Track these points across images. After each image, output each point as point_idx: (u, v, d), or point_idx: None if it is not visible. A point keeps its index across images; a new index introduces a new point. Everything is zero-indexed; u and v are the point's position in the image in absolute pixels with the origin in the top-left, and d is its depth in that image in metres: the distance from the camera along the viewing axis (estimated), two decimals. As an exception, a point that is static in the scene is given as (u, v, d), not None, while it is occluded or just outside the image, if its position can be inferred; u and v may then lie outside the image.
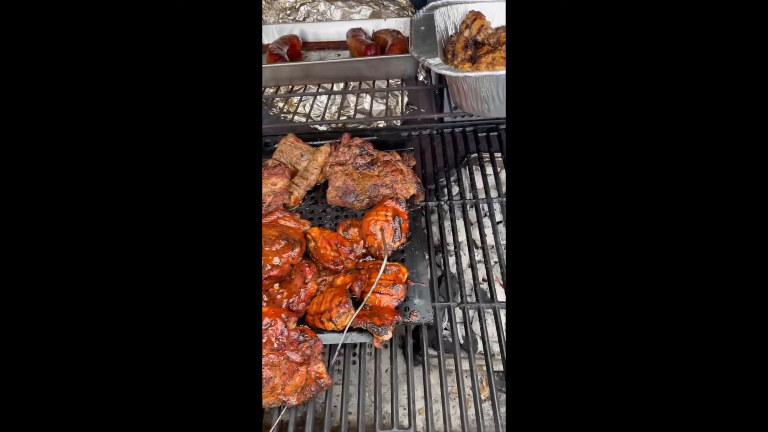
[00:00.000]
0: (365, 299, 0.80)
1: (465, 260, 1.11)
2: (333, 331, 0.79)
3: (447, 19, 0.99)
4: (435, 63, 0.79)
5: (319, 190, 1.10)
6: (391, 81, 1.15)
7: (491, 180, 1.10)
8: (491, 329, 0.87)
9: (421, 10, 0.96)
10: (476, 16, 0.96)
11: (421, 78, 1.18)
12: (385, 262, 0.83)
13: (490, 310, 0.87)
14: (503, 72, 0.77)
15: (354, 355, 0.86)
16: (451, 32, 1.00)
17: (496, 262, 0.95)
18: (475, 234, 1.03)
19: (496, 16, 1.01)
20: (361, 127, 1.25)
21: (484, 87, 0.80)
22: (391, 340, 0.81)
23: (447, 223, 1.08)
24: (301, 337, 0.75)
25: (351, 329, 0.78)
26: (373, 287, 0.80)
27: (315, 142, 1.15)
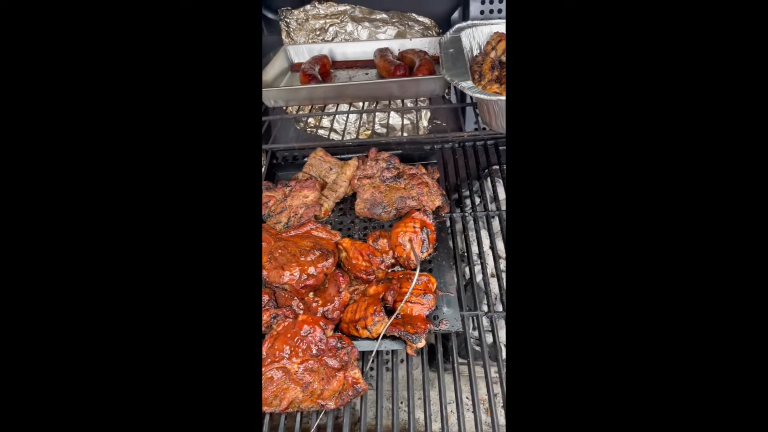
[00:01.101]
0: (399, 308, 0.84)
1: (490, 270, 1.14)
2: (367, 338, 0.83)
3: (472, 40, 1.04)
4: (468, 86, 0.83)
5: (347, 201, 1.14)
6: (415, 98, 1.20)
7: (514, 192, 1.14)
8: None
9: (448, 33, 1.01)
10: (501, 37, 1.00)
11: (453, 99, 1.22)
12: (417, 272, 0.87)
13: (517, 319, 0.90)
14: None
15: (386, 362, 0.90)
16: (475, 52, 1.04)
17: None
18: (499, 244, 1.06)
19: (518, 35, 1.05)
20: (384, 141, 1.29)
21: None
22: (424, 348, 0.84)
23: (471, 234, 1.11)
24: (339, 344, 0.79)
25: (384, 337, 0.82)
26: (407, 296, 0.84)
27: (343, 156, 1.20)
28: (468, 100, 1.19)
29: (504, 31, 1.02)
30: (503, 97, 0.80)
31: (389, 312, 0.85)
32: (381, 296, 0.87)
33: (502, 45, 0.98)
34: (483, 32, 1.04)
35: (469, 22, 1.02)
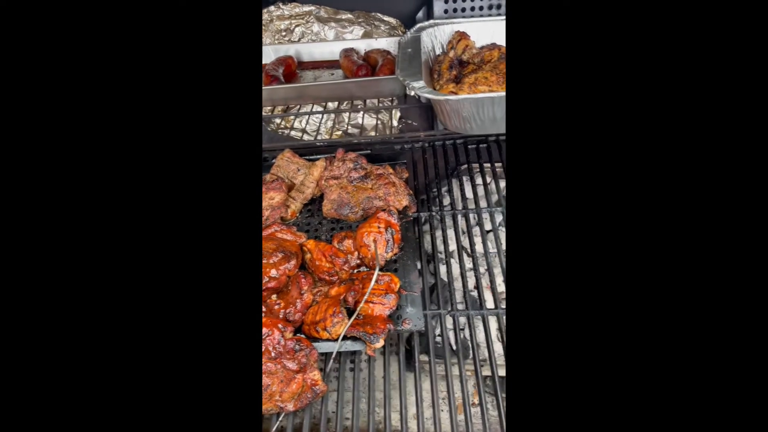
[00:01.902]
0: (358, 309, 0.84)
1: (456, 269, 1.14)
2: (328, 339, 0.83)
3: (434, 40, 1.04)
4: (419, 86, 0.83)
5: (315, 203, 1.14)
6: (382, 98, 1.20)
7: (480, 190, 1.14)
8: (480, 335, 0.90)
9: (409, 32, 1.01)
10: (461, 36, 1.01)
11: (412, 94, 1.23)
12: (376, 272, 0.87)
13: (480, 317, 0.91)
14: (482, 95, 0.81)
15: (351, 362, 0.90)
16: (438, 52, 1.05)
17: (485, 270, 0.99)
18: (466, 243, 1.07)
19: (481, 34, 1.06)
20: (355, 141, 1.30)
21: (465, 108, 0.84)
22: (385, 347, 0.85)
23: (439, 233, 1.11)
24: (297, 346, 0.78)
25: (345, 338, 0.82)
26: (366, 297, 0.84)
27: (311, 157, 1.19)
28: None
29: (465, 30, 1.03)
30: (452, 97, 0.81)
31: (351, 313, 0.85)
32: (342, 297, 0.87)
33: (462, 44, 0.98)
34: (445, 31, 1.05)
35: (431, 21, 1.03)
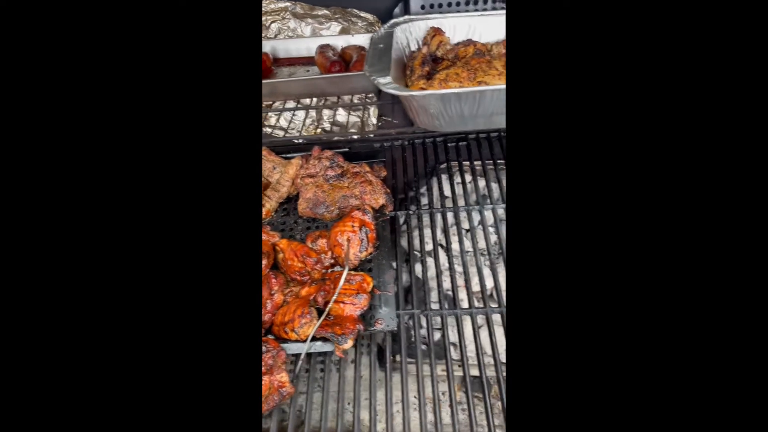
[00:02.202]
0: (327, 309, 0.82)
1: (433, 268, 1.13)
2: (297, 340, 0.81)
3: (409, 36, 1.03)
4: (384, 82, 0.82)
5: (291, 201, 1.12)
6: (363, 95, 1.19)
7: (459, 189, 1.13)
8: (453, 336, 0.89)
9: (382, 28, 1.00)
10: (435, 32, 0.99)
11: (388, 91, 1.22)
12: (345, 271, 0.86)
13: (453, 317, 0.89)
14: (448, 90, 0.79)
15: (321, 363, 0.88)
16: (413, 48, 1.03)
17: (460, 271, 0.98)
18: (444, 242, 1.05)
19: (458, 30, 1.05)
20: (336, 138, 1.28)
21: (432, 104, 0.83)
22: (356, 347, 0.83)
23: (416, 232, 1.10)
24: (264, 348, 0.77)
25: (315, 338, 0.80)
26: (334, 297, 0.82)
27: (288, 155, 1.17)
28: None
29: (440, 26, 1.01)
30: (416, 93, 0.79)
31: (322, 313, 0.83)
32: (312, 297, 0.85)
33: (436, 40, 0.97)
34: (421, 27, 1.03)
35: (406, 17, 1.01)
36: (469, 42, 0.99)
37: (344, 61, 1.13)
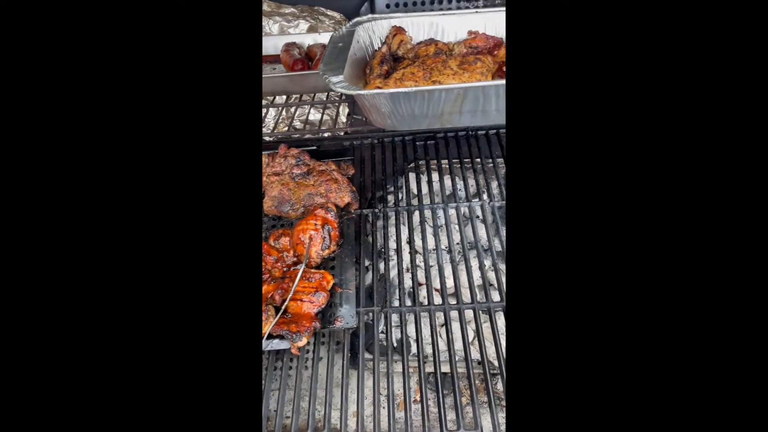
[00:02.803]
0: (283, 307, 0.82)
1: (394, 266, 1.14)
2: (253, 339, 0.81)
3: (372, 34, 1.03)
4: (336, 81, 0.82)
5: (257, 200, 1.12)
6: (328, 93, 1.18)
7: (425, 187, 1.14)
8: (419, 332, 0.90)
9: (344, 27, 1.00)
10: (397, 31, 1.00)
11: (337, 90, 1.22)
12: (301, 269, 0.86)
13: (412, 315, 0.90)
14: (397, 89, 0.80)
15: (291, 361, 0.88)
16: (377, 47, 1.04)
17: (420, 267, 0.99)
18: (408, 239, 1.06)
19: (421, 29, 1.05)
20: (306, 136, 1.28)
21: (383, 103, 0.83)
22: (316, 345, 0.83)
23: (382, 231, 1.10)
24: (217, 346, 0.77)
25: (271, 336, 0.81)
26: (290, 295, 0.82)
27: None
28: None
29: (402, 25, 1.02)
30: (364, 92, 0.80)
31: (280, 311, 0.84)
32: (270, 295, 0.85)
33: (397, 39, 0.97)
34: (384, 26, 1.04)
35: (369, 16, 1.01)
36: (431, 41, 1.00)
37: (309, 59, 1.13)
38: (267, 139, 1.31)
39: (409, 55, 0.97)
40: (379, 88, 0.83)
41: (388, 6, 1.15)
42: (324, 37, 1.19)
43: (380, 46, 1.02)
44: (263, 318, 0.80)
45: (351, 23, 1.00)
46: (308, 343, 0.82)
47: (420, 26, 1.04)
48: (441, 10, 1.12)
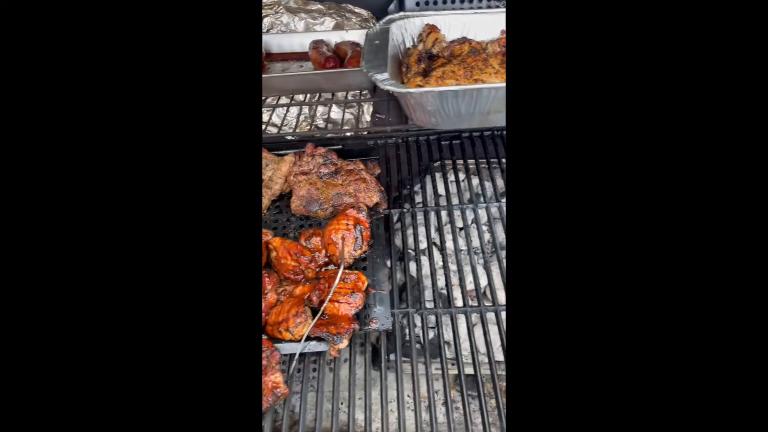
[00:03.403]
0: (322, 308, 0.81)
1: (427, 266, 1.13)
2: (291, 340, 0.80)
3: (404, 32, 1.02)
4: (382, 78, 0.81)
5: (283, 199, 1.11)
6: (357, 91, 1.17)
7: (453, 187, 1.13)
8: (448, 334, 0.89)
9: (377, 24, 0.99)
10: (431, 29, 0.99)
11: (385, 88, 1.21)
12: (341, 270, 0.85)
13: (448, 316, 0.89)
14: (445, 88, 0.79)
15: (314, 362, 0.87)
16: (408, 45, 1.03)
17: (455, 270, 0.98)
18: (438, 240, 1.05)
19: (453, 28, 1.04)
20: (329, 135, 1.27)
21: (429, 102, 0.82)
22: (351, 347, 0.82)
23: (410, 231, 1.10)
24: (257, 348, 0.76)
25: (309, 338, 0.80)
26: (329, 296, 0.81)
27: (281, 152, 1.16)
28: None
29: (435, 23, 1.01)
30: (414, 90, 0.79)
31: (316, 313, 0.83)
32: (306, 296, 0.84)
33: (432, 37, 0.96)
34: (416, 24, 1.03)
35: (402, 13, 1.00)
36: (464, 40, 0.99)
37: (338, 57, 1.12)
38: (289, 138, 1.30)
39: (444, 54, 0.96)
40: (420, 86, 0.82)
41: (417, 4, 1.14)
42: (351, 35, 1.18)
43: (413, 43, 1.01)
44: (301, 320, 0.79)
45: (384, 21, 0.99)
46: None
47: (451, 25, 1.03)
48: (471, 8, 1.11)
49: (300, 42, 1.22)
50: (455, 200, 1.11)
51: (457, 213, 1.10)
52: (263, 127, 1.30)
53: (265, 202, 1.09)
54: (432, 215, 1.07)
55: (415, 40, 1.04)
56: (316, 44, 1.15)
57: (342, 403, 1.04)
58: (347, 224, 0.95)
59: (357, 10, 1.28)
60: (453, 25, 1.04)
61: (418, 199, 1.24)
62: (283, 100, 1.21)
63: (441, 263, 1.17)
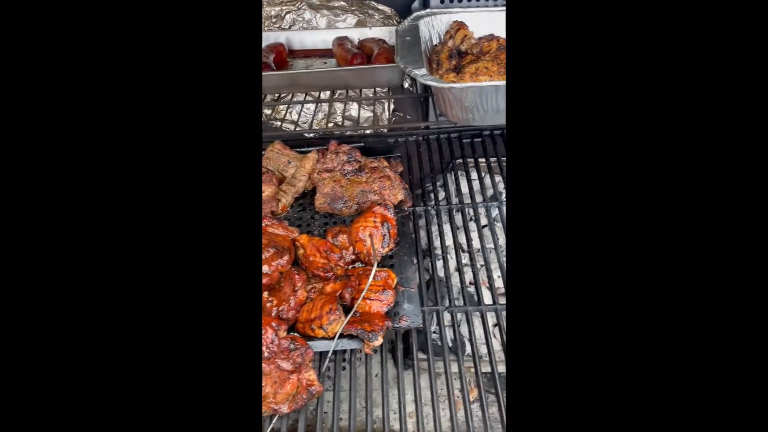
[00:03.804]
0: (356, 306, 0.81)
1: (452, 264, 1.13)
2: (323, 338, 0.80)
3: (431, 29, 1.01)
4: (421, 74, 0.81)
5: (307, 196, 1.10)
6: (375, 89, 1.17)
7: (476, 185, 1.13)
8: (479, 332, 0.89)
9: (406, 21, 0.98)
10: (459, 26, 0.98)
11: (406, 86, 1.20)
12: (374, 268, 0.85)
13: (477, 313, 0.89)
14: (486, 83, 0.79)
15: (344, 360, 0.87)
16: (435, 41, 1.02)
17: (482, 266, 0.98)
18: (462, 238, 1.05)
19: (478, 26, 1.04)
20: (348, 133, 1.26)
21: (468, 97, 0.82)
22: (381, 345, 0.82)
23: (434, 228, 1.09)
24: (291, 345, 0.75)
25: (341, 336, 0.79)
26: (363, 294, 0.81)
27: (302, 149, 1.15)
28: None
29: (463, 20, 1.00)
30: (457, 85, 0.78)
31: (346, 310, 0.82)
32: (338, 294, 0.83)
33: (461, 34, 0.96)
34: (442, 21, 1.02)
35: (428, 10, 1.00)
36: (492, 37, 0.98)
37: (363, 53, 1.11)
38: (308, 135, 1.29)
39: (473, 51, 0.96)
40: (454, 82, 0.81)
41: (442, 1, 1.14)
42: (374, 32, 1.18)
43: (440, 40, 1.00)
44: (335, 317, 0.78)
45: (412, 17, 0.98)
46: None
47: (478, 22, 1.03)
48: (496, 6, 1.10)
49: (322, 39, 1.21)
50: (479, 198, 1.10)
51: (481, 210, 1.09)
52: (280, 124, 1.29)
53: (288, 199, 1.08)
54: (455, 213, 1.07)
55: (442, 37, 1.04)
56: (341, 41, 1.14)
57: (374, 403, 1.04)
58: (375, 221, 0.94)
59: (380, 7, 1.27)
60: (479, 22, 1.03)
61: (440, 196, 1.24)
62: (300, 96, 1.20)
63: (465, 261, 1.17)
